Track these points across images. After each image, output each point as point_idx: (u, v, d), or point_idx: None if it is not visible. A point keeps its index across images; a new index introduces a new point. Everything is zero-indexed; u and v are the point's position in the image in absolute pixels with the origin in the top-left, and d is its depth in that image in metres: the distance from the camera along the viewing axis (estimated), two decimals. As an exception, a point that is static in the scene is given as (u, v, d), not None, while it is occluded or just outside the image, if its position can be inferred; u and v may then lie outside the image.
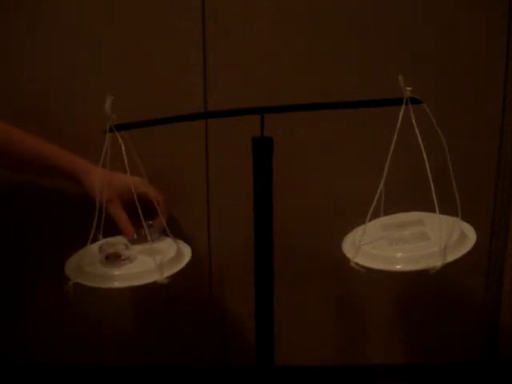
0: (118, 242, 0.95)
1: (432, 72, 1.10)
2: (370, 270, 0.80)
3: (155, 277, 0.85)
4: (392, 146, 0.78)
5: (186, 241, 1.13)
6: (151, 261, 0.87)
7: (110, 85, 1.09)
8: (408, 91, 0.76)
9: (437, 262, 0.76)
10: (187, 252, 0.96)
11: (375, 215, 0.87)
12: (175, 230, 1.15)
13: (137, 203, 0.86)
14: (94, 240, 0.91)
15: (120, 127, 0.81)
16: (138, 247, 0.94)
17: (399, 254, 0.80)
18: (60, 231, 1.15)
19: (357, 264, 0.81)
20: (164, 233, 0.98)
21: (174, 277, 0.88)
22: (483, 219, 1.17)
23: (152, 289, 0.85)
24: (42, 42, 1.09)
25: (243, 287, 1.00)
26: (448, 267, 0.76)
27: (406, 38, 1.09)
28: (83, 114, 1.10)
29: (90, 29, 1.09)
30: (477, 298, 1.23)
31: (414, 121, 0.76)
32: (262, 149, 0.81)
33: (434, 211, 0.80)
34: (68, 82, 1.11)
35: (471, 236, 0.84)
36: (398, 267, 0.80)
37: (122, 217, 0.97)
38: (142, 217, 0.87)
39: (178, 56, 1.10)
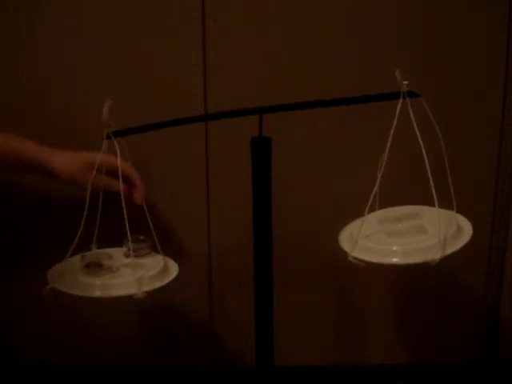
0: (105, 252, 0.92)
1: (432, 72, 1.10)
2: (368, 264, 0.79)
3: (133, 291, 0.82)
4: (390, 138, 0.78)
5: (186, 241, 1.13)
6: (132, 274, 0.85)
7: (110, 85, 1.09)
8: (405, 85, 0.76)
9: (436, 255, 0.76)
10: (174, 271, 0.92)
11: (372, 208, 0.86)
12: (175, 231, 1.16)
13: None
14: (88, 249, 0.91)
15: (117, 133, 0.80)
16: (123, 260, 0.92)
17: (397, 248, 0.79)
18: (60, 231, 1.15)
19: (355, 258, 0.80)
20: (155, 249, 0.95)
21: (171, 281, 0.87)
22: (483, 219, 1.17)
23: (132, 301, 0.83)
24: (42, 42, 1.09)
25: (243, 287, 1.00)
26: (448, 267, 0.76)
27: (406, 37, 1.09)
28: (83, 114, 1.10)
29: (90, 29, 1.09)
30: (477, 297, 1.23)
31: (411, 114, 0.76)
32: (261, 149, 0.81)
33: (431, 205, 0.79)
34: (68, 82, 1.11)
35: (467, 229, 0.83)
36: (397, 260, 0.79)
37: (112, 184, 0.90)
38: (128, 233, 0.85)
39: (178, 56, 1.10)
